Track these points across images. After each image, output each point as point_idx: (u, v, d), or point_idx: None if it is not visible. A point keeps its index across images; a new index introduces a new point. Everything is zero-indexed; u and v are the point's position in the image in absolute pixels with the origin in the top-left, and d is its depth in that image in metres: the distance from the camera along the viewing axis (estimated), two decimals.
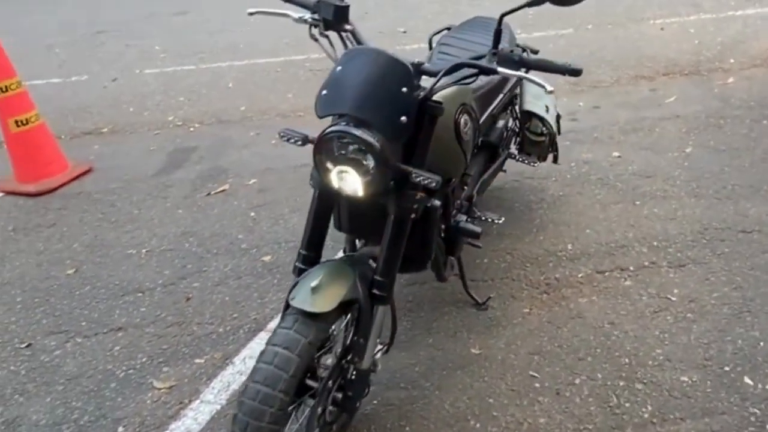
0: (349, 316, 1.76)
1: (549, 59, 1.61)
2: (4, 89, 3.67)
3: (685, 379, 2.09)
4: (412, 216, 1.68)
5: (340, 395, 1.76)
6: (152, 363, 2.37)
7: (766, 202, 2.91)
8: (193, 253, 3.01)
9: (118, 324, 2.59)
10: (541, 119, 2.60)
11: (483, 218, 2.40)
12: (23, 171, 3.81)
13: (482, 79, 2.25)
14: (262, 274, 2.81)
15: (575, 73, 1.60)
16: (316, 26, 1.76)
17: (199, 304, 2.66)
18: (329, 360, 1.75)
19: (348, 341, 1.77)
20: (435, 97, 1.64)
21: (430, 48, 2.66)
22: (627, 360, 2.18)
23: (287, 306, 1.60)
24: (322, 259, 1.82)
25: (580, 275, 2.58)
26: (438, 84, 1.60)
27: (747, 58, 4.47)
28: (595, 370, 2.16)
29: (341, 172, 1.58)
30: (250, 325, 2.51)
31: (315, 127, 1.67)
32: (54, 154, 3.92)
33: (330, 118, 1.64)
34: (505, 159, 2.73)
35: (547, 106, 2.64)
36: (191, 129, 4.46)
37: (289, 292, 1.62)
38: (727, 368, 2.11)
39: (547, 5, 1.60)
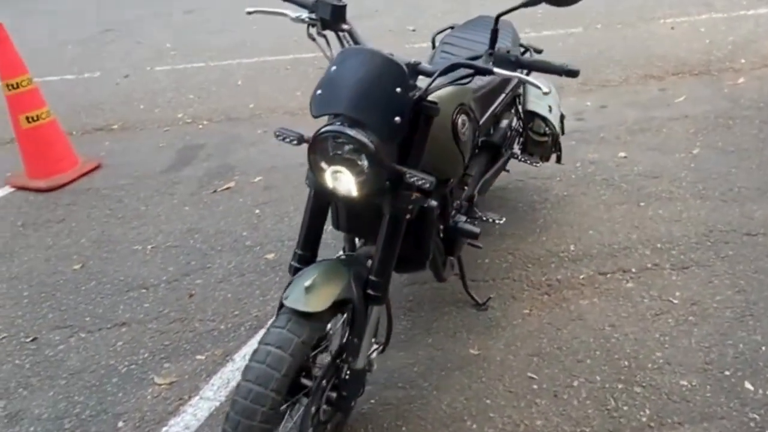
0: (345, 315, 1.77)
1: (546, 60, 1.60)
2: (15, 86, 3.73)
3: (685, 383, 2.07)
4: (407, 216, 1.68)
5: (334, 394, 1.77)
6: (154, 359, 2.40)
7: None
8: (198, 250, 3.04)
9: (121, 319, 2.62)
10: (544, 119, 2.59)
11: (484, 218, 2.40)
12: (34, 167, 3.86)
13: (483, 79, 2.25)
14: (265, 271, 2.83)
15: (572, 74, 1.59)
16: (313, 26, 1.77)
17: (202, 301, 2.68)
18: (326, 359, 1.76)
19: (343, 340, 1.78)
20: (431, 98, 1.63)
21: (434, 47, 2.66)
22: (626, 363, 2.17)
23: (282, 305, 1.61)
24: (320, 258, 1.83)
25: (581, 276, 2.57)
26: (433, 84, 1.59)
27: (758, 58, 4.41)
28: (593, 372, 2.15)
29: (335, 172, 1.58)
30: (251, 322, 2.53)
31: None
32: (64, 150, 3.97)
33: (325, 118, 1.65)
34: (508, 159, 2.72)
35: (550, 106, 2.63)
36: (200, 126, 4.49)
37: (284, 291, 1.63)
38: (727, 372, 2.09)
39: (544, 5, 1.59)
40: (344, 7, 1.72)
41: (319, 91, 1.59)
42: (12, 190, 3.82)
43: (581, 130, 3.69)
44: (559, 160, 2.82)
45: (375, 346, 1.88)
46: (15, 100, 3.76)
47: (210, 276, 2.84)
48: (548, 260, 2.68)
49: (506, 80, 2.46)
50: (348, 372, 1.75)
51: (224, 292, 2.72)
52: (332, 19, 1.72)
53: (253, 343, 2.40)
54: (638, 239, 2.74)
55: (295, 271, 1.76)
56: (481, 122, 2.23)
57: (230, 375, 2.28)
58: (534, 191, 3.16)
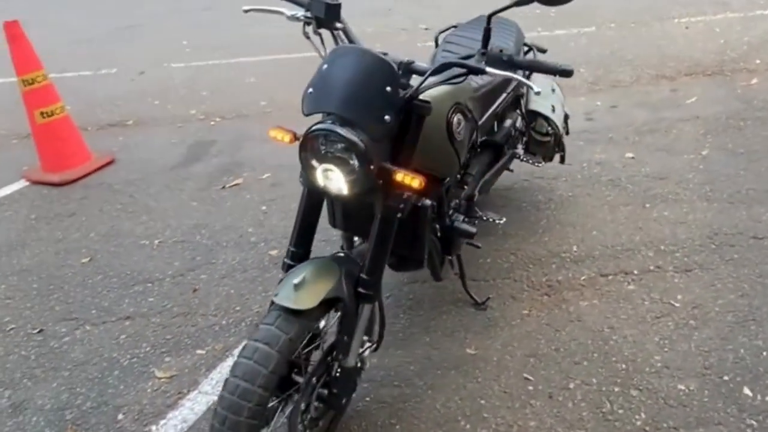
0: (339, 313, 1.78)
1: (539, 59, 1.60)
2: (30, 82, 3.80)
3: (682, 387, 2.05)
4: (399, 215, 1.69)
5: (325, 392, 1.78)
6: (155, 352, 2.43)
7: None
8: (204, 245, 3.07)
9: (126, 313, 2.66)
10: (547, 119, 2.57)
11: (484, 218, 2.40)
12: (48, 161, 3.94)
13: (484, 79, 2.24)
14: (268, 267, 2.85)
15: (566, 73, 1.58)
16: (309, 24, 1.78)
17: (205, 296, 2.71)
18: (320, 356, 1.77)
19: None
20: (424, 97, 1.63)
21: (437, 46, 2.66)
22: (624, 366, 2.16)
23: (273, 302, 1.63)
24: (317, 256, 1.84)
25: (582, 278, 2.56)
26: (426, 83, 1.59)
27: None
28: (590, 374, 2.14)
29: (326, 170, 1.59)
30: (252, 317, 2.55)
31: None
32: (77, 145, 4.03)
33: (316, 116, 1.66)
34: (511, 159, 2.71)
35: (553, 106, 2.61)
36: (212, 123, 4.54)
37: (276, 288, 1.65)
38: (726, 378, 2.07)
39: (538, 5, 1.58)
40: (339, 5, 1.73)
41: (310, 90, 1.60)
42: (27, 183, 3.90)
43: (590, 130, 3.66)
44: (562, 160, 2.81)
45: (368, 345, 1.88)
46: (30, 96, 3.84)
47: (214, 271, 2.87)
48: (550, 261, 2.67)
49: (507, 80, 2.45)
50: (339, 370, 1.76)
51: (227, 287, 2.75)
52: (327, 17, 1.73)
53: None
54: (641, 241, 2.72)
55: (287, 268, 1.78)
56: (480, 122, 2.22)
57: (229, 370, 2.30)
58: (539, 191, 3.15)
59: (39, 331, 2.61)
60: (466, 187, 2.31)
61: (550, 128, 2.60)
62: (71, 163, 3.95)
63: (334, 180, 1.60)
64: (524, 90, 2.64)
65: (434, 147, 1.82)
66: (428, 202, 1.81)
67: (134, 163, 4.03)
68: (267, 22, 6.65)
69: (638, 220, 2.85)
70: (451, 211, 2.17)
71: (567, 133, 2.78)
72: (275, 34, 6.13)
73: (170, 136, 4.39)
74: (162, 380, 2.30)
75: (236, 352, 2.37)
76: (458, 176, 2.27)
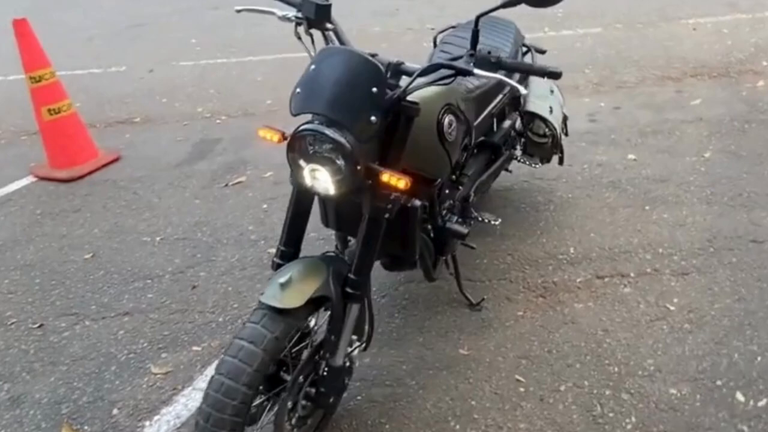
0: (328, 312, 1.79)
1: (526, 62, 1.60)
2: (37, 79, 3.84)
3: (674, 391, 2.04)
4: (387, 216, 1.69)
5: (313, 390, 1.79)
6: (152, 348, 2.46)
7: None
8: (204, 243, 3.10)
9: (125, 309, 2.69)
10: (544, 120, 2.56)
11: (479, 219, 2.40)
12: (55, 158, 3.98)
13: (480, 80, 2.24)
14: (267, 265, 2.86)
15: (554, 75, 1.58)
16: (300, 24, 1.79)
17: (203, 293, 2.74)
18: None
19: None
20: (414, 98, 1.64)
21: (435, 46, 2.66)
22: (616, 369, 2.15)
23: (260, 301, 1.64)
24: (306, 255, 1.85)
25: (578, 280, 2.55)
26: (413, 84, 1.60)
27: None
28: (582, 377, 2.13)
29: (313, 170, 1.61)
30: (248, 315, 2.56)
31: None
32: (84, 142, 4.07)
33: (303, 116, 1.67)
34: (508, 160, 2.70)
35: (551, 107, 2.60)
36: (218, 121, 4.57)
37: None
38: (719, 382, 2.06)
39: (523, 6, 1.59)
40: (329, 6, 1.74)
41: (298, 90, 1.62)
42: (35, 179, 3.94)
43: (592, 131, 3.65)
44: (561, 161, 2.80)
45: (357, 344, 1.89)
46: (38, 93, 3.88)
47: (213, 269, 2.89)
48: (546, 262, 2.66)
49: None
50: (326, 369, 1.77)
51: (225, 284, 2.77)
52: (317, 18, 1.74)
53: None
54: (639, 243, 2.70)
55: (277, 266, 1.79)
56: (475, 123, 2.22)
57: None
58: (538, 192, 3.14)
59: (39, 326, 2.64)
60: (461, 187, 2.31)
61: (547, 130, 2.59)
62: (78, 159, 3.99)
63: (321, 180, 1.61)
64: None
65: (424, 148, 1.83)
66: (418, 202, 1.81)
67: (140, 160, 4.06)
68: (274, 22, 6.68)
69: (637, 223, 2.84)
70: (445, 212, 2.18)
71: (566, 134, 2.77)
72: (282, 33, 6.11)
73: (176, 133, 4.42)
74: (158, 376, 2.33)
75: None
76: (453, 177, 2.27)
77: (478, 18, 1.66)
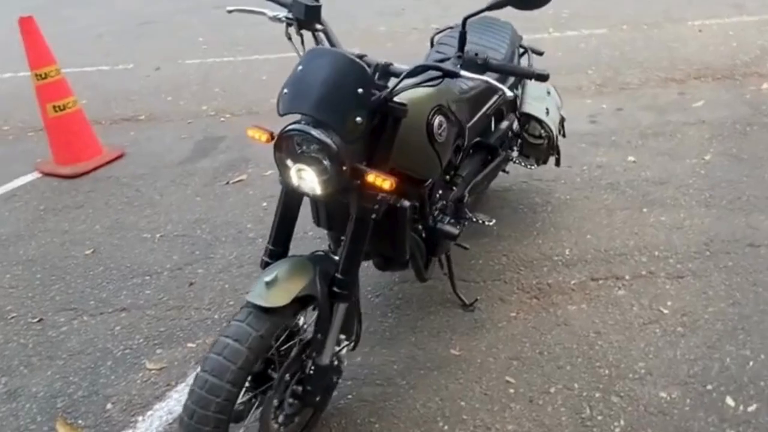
0: (317, 311, 1.80)
1: (515, 64, 1.60)
2: (43, 76, 3.89)
3: (664, 395, 2.04)
4: (374, 216, 1.70)
5: (300, 389, 1.80)
6: (148, 344, 2.48)
7: None
8: (203, 240, 3.12)
9: (123, 305, 2.72)
10: (540, 122, 2.56)
11: (473, 219, 2.40)
12: (60, 154, 4.02)
13: (474, 81, 2.24)
14: None
15: (541, 77, 1.59)
16: (290, 25, 1.80)
17: (201, 290, 2.76)
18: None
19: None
20: (401, 99, 1.64)
21: (432, 46, 2.66)
22: (607, 371, 2.15)
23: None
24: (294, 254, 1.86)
25: (573, 282, 2.55)
26: (400, 85, 1.60)
27: None
28: (572, 379, 2.13)
29: (300, 170, 1.62)
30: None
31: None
32: (89, 139, 4.11)
33: (290, 117, 1.68)
34: (505, 161, 2.70)
35: (547, 109, 2.60)
36: (222, 119, 4.59)
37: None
38: (709, 387, 2.05)
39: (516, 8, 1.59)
40: (318, 7, 1.75)
41: (285, 90, 1.63)
42: (39, 175, 3.98)
43: (593, 133, 3.63)
44: (557, 163, 2.79)
45: (345, 343, 1.90)
46: (43, 90, 3.93)
47: (211, 266, 2.92)
48: (542, 264, 2.66)
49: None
50: (312, 367, 1.78)
51: (222, 282, 2.80)
52: (306, 18, 1.75)
53: None
54: (636, 246, 2.69)
55: (265, 265, 1.81)
56: (469, 124, 2.22)
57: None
58: (536, 193, 3.13)
59: (38, 321, 2.68)
60: (455, 188, 2.31)
61: (543, 131, 2.59)
62: (82, 156, 4.03)
63: (308, 180, 1.62)
64: (518, 92, 2.63)
65: (414, 148, 1.83)
66: (407, 203, 1.82)
67: (143, 157, 4.10)
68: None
69: (634, 225, 2.83)
70: (437, 212, 2.18)
71: (563, 135, 2.76)
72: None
73: (180, 131, 4.45)
74: (152, 372, 2.35)
75: None
76: (447, 178, 2.28)
77: (465, 20, 1.67)
